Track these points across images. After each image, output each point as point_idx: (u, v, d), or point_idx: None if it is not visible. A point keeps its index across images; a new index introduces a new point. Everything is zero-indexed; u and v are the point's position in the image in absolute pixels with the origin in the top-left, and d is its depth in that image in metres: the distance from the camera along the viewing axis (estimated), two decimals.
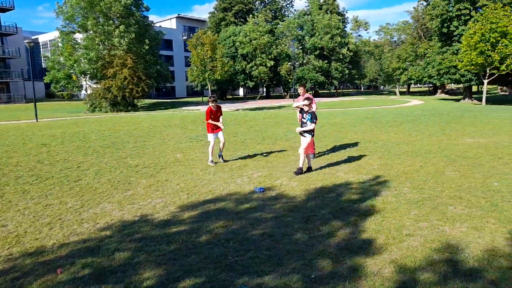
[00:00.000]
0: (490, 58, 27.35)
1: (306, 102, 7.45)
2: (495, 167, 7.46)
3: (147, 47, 33.19)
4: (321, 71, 51.74)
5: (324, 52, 52.21)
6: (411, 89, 65.08)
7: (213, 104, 8.43)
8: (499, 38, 26.87)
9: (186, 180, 6.98)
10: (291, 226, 4.59)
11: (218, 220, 4.83)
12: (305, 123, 7.41)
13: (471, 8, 33.76)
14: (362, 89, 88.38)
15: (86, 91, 35.06)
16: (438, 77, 36.46)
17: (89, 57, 30.89)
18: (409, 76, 48.10)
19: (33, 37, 57.30)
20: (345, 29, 58.02)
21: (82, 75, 32.78)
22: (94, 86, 33.03)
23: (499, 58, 27.11)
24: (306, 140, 7.37)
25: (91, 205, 5.68)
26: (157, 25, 64.84)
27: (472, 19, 31.52)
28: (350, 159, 8.60)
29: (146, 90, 31.68)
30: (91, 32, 31.57)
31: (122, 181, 7.04)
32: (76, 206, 5.64)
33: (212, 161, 8.41)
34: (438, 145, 10.27)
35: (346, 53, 52.88)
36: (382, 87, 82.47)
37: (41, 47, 60.04)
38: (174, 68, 58.62)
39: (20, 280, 3.45)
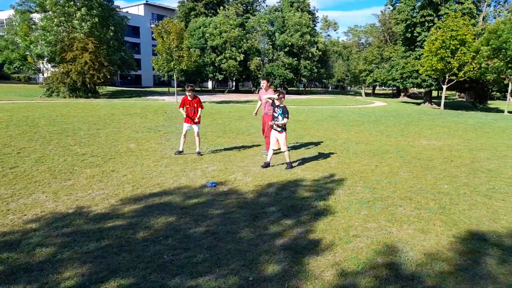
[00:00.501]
0: (449, 64, 28.53)
1: (276, 95, 7.23)
2: (446, 169, 7.62)
3: (111, 33, 31.71)
4: (290, 68, 51.97)
5: (294, 50, 52.46)
6: (376, 91, 67.06)
7: (189, 94, 8.12)
8: (458, 46, 28.07)
9: (134, 172, 6.57)
10: (237, 223, 4.36)
11: (160, 216, 4.51)
12: (277, 117, 7.19)
13: (434, 15, 35.05)
14: (330, 89, 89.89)
15: (43, 75, 33.04)
16: (401, 80, 37.66)
17: (47, 39, 29.06)
18: (374, 78, 49.36)
19: None
20: (315, 28, 58.54)
21: (39, 58, 30.81)
22: (52, 70, 31.17)
23: (458, 65, 28.34)
24: (283, 136, 7.19)
25: (23, 194, 5.17)
26: (124, 10, 62.50)
27: (435, 26, 32.74)
28: (309, 157, 8.51)
29: (108, 76, 30.25)
30: (50, 12, 29.68)
31: (64, 170, 6.51)
32: (6, 195, 5.11)
33: (177, 152, 8.15)
34: (396, 146, 10.44)
35: (315, 52, 53.42)
36: (349, 87, 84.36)
37: None
38: (140, 56, 56.75)
39: None
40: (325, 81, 72.75)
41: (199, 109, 8.32)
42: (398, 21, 38.60)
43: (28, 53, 30.29)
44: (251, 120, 15.04)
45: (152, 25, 25.41)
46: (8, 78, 47.94)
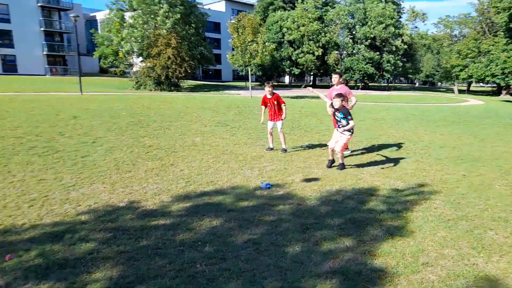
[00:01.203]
0: None
1: (338, 100, 6.46)
2: None
3: (192, 29, 33.13)
4: (372, 62, 49.07)
5: (376, 43, 49.39)
6: (471, 88, 60.11)
7: (269, 90, 7.90)
8: None
9: (191, 167, 6.47)
10: (285, 234, 3.89)
11: (205, 217, 4.25)
12: (340, 121, 6.57)
13: None
14: (417, 85, 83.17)
15: (133, 69, 35.92)
16: (503, 76, 33.02)
17: (135, 35, 31.42)
18: (469, 74, 44.18)
19: (91, 14, 59.92)
20: (400, 19, 54.28)
21: (129, 53, 33.51)
22: (140, 64, 33.71)
23: None
24: (344, 138, 6.55)
25: (84, 184, 5.35)
26: (207, 7, 65.14)
27: None
28: (382, 160, 7.63)
29: (189, 71, 31.74)
30: (139, 11, 32.03)
31: (127, 162, 6.69)
32: (69, 183, 5.34)
33: (268, 148, 8.10)
34: (491, 152, 8.92)
35: (400, 45, 49.60)
36: (439, 83, 77.09)
37: (98, 24, 62.60)
38: (220, 51, 58.60)
39: None
40: (411, 76, 67.43)
41: (282, 104, 8.01)
42: (499, 10, 33.83)
43: (120, 48, 33.09)
44: (324, 117, 14.30)
45: (233, 21, 25.75)
46: (106, 72, 53.39)
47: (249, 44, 24.26)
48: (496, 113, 19.47)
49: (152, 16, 31.06)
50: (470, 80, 47.85)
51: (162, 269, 3.07)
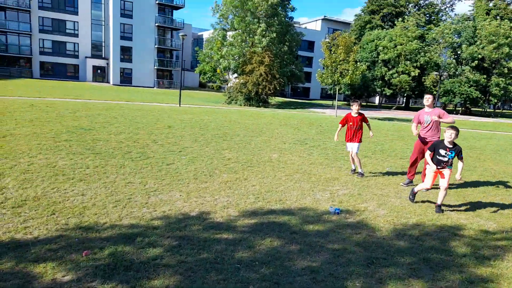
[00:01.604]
0: None
1: (453, 133, 5.51)
2: None
3: (286, 48, 34.03)
4: (476, 85, 44.27)
5: (484, 64, 44.50)
6: None
7: (356, 108, 7.60)
8: None
9: (263, 183, 6.57)
10: (346, 266, 3.69)
11: (267, 236, 4.26)
12: (446, 161, 5.61)
13: None
14: None
15: (227, 85, 38.20)
16: None
17: (233, 52, 33.42)
18: None
19: (199, 33, 65.65)
20: None
21: (226, 70, 35.75)
22: (234, 80, 35.69)
23: None
24: (449, 172, 5.66)
25: (164, 190, 5.81)
26: (303, 26, 66.26)
27: None
28: (472, 195, 6.79)
29: (278, 88, 32.55)
30: (239, 30, 34.09)
31: (206, 172, 7.08)
32: (152, 188, 5.84)
33: (352, 170, 7.92)
34: None
35: None
36: None
37: (204, 42, 68.18)
38: (311, 69, 58.84)
39: (48, 252, 3.60)
40: None
41: (367, 123, 7.74)
42: None
43: (218, 65, 35.51)
44: (411, 141, 13.32)
45: (322, 40, 25.90)
46: (204, 86, 57.71)
47: (340, 63, 23.96)
48: None
49: (250, 35, 32.79)
50: None
51: (216, 284, 3.16)
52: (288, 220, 4.86)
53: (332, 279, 3.41)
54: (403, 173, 8.20)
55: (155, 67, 52.38)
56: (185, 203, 5.29)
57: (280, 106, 35.70)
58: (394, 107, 51.80)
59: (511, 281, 3.64)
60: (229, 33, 36.14)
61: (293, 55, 37.31)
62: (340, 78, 24.14)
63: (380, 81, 46.56)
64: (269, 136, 12.39)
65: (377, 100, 58.81)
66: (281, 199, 5.73)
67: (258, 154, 9.26)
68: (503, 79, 43.97)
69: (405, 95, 52.42)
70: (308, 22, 67.69)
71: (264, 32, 31.36)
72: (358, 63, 25.54)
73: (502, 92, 44.42)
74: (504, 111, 63.52)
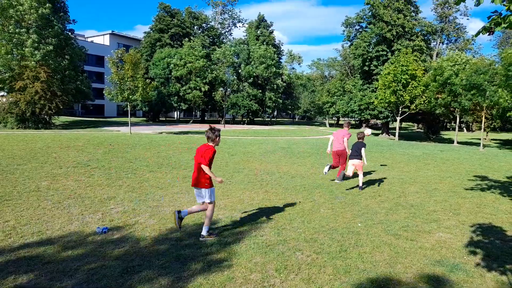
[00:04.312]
0: (402, 97, 29.63)
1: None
2: (369, 205, 7.43)
3: (66, 62, 30.99)
4: (255, 99, 52.54)
5: (259, 81, 53.31)
6: (340, 121, 68.70)
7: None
8: (409, 80, 29.31)
9: (21, 216, 5.86)
10: (99, 281, 3.81)
11: (10, 275, 3.89)
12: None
13: (388, 51, 36.79)
14: (296, 119, 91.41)
15: None
16: (359, 112, 38.73)
17: None
18: (336, 110, 50.66)
19: None
20: (281, 61, 60.04)
21: None
22: (0, 98, 29.80)
23: (409, 98, 29.47)
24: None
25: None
26: (89, 40, 62.02)
27: (388, 61, 34.27)
28: (237, 192, 8.11)
29: (61, 107, 29.24)
30: (2, 41, 28.70)
31: None
32: None
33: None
34: (332, 178, 10.27)
35: (280, 83, 54.51)
36: (315, 118, 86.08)
37: None
38: (104, 85, 55.60)
39: None
40: (290, 112, 74.00)
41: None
42: (356, 56, 40.22)
43: None
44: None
45: (109, 55, 24.86)
46: None
47: (129, 80, 23.71)
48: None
49: (18, 46, 28.06)
50: (337, 115, 54.75)
51: None
52: (43, 251, 4.56)
53: None
54: (186, 182, 8.93)
55: None
56: None
57: (68, 126, 32.17)
58: (191, 121, 55.06)
59: (240, 257, 4.60)
60: None
61: (77, 70, 34.39)
62: (130, 95, 23.91)
63: (176, 97, 48.67)
64: (42, 162, 11.07)
65: (175, 114, 61.15)
66: (40, 230, 5.29)
67: (22, 184, 8.17)
68: (274, 94, 53.79)
69: (200, 109, 56.62)
70: (95, 36, 63.99)
71: (36, 44, 27.59)
72: (148, 80, 25.93)
73: (274, 104, 54.25)
74: (278, 119, 77.59)
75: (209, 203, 5.19)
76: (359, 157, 9.03)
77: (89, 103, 47.12)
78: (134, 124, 37.26)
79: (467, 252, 5.00)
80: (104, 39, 62.35)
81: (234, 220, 6.12)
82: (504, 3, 4.16)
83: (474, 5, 4.44)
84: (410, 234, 5.68)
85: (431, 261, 4.66)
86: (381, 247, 5.06)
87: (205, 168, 4.93)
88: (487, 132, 35.51)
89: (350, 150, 9.40)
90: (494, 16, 4.55)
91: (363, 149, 9.06)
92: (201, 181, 5.09)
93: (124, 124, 39.12)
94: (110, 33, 61.94)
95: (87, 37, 63.63)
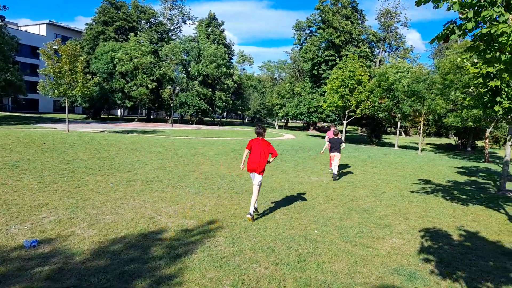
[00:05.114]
0: (348, 102, 30.74)
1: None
2: (324, 210, 7.36)
3: None
4: (205, 98, 51.65)
5: (209, 80, 52.48)
6: (289, 124, 70.05)
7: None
8: (356, 85, 30.49)
9: None
10: None
11: None
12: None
13: (336, 56, 38.07)
14: (246, 120, 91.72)
15: None
16: (308, 115, 39.62)
17: None
18: (286, 112, 51.48)
19: None
20: (231, 61, 59.70)
21: None
22: None
23: (355, 103, 30.67)
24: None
25: None
26: (23, 29, 56.96)
27: (337, 66, 35.42)
28: (188, 197, 7.62)
29: None
30: None
31: None
32: None
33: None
34: (285, 182, 10.15)
35: (231, 83, 54.09)
36: (265, 119, 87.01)
37: None
38: (39, 78, 51.33)
39: None
40: (240, 113, 74.02)
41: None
42: (306, 59, 41.12)
43: None
44: (145, 154, 13.79)
45: (41, 47, 22.67)
46: None
47: (67, 74, 21.89)
48: (300, 147, 22.87)
49: None
50: (286, 117, 55.68)
51: None
52: None
53: None
54: (129, 186, 8.24)
55: None
56: None
57: None
58: (136, 119, 52.67)
59: (193, 272, 4.19)
60: None
61: (8, 61, 31.28)
62: (68, 90, 22.11)
63: (120, 93, 46.25)
64: None
65: (119, 112, 58.22)
66: None
67: None
68: (224, 93, 53.26)
69: (147, 107, 54.43)
70: (31, 25, 58.93)
71: None
72: (90, 75, 24.18)
73: (224, 104, 53.73)
74: (228, 120, 77.19)
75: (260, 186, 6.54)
76: (339, 150, 11.57)
77: (21, 97, 43.07)
78: (72, 121, 34.73)
79: (421, 259, 5.04)
80: (40, 29, 57.57)
81: (184, 229, 5.67)
82: (463, 10, 4.21)
83: (415, 5, 4.58)
84: (366, 240, 5.64)
85: (388, 269, 4.61)
86: (339, 256, 4.93)
87: (275, 158, 6.66)
88: (423, 137, 38.12)
89: (331, 145, 11.89)
90: (449, 25, 4.65)
91: (343, 144, 11.85)
92: (263, 169, 6.46)
93: (61, 121, 36.31)
94: (47, 23, 57.38)
95: (21, 26, 58.44)
